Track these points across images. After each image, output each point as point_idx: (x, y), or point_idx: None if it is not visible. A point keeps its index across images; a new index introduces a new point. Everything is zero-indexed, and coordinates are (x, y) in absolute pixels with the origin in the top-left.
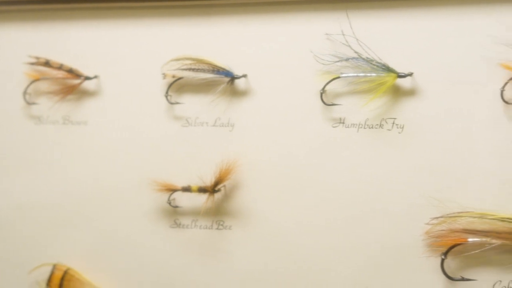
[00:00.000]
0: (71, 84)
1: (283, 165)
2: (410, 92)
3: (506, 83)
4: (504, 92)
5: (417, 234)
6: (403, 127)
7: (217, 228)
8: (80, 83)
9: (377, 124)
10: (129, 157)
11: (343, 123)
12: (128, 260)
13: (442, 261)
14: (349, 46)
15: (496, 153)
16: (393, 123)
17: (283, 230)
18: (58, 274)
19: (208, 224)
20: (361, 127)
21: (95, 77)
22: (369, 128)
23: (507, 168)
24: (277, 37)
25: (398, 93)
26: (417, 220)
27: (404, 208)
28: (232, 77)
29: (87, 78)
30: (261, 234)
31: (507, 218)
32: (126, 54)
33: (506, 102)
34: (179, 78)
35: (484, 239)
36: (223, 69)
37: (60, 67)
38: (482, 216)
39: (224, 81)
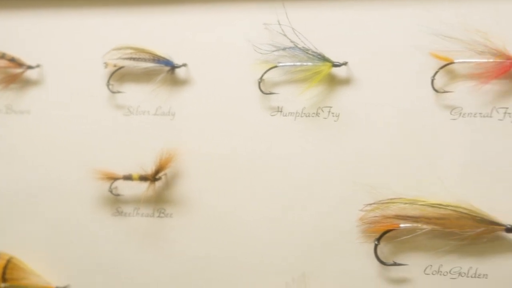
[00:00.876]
0: (13, 73)
1: (222, 153)
2: (345, 81)
3: (436, 72)
4: (435, 81)
5: (352, 220)
6: (338, 116)
7: (159, 216)
8: (23, 72)
9: (314, 113)
10: (72, 146)
11: (281, 111)
12: (71, 248)
13: (375, 246)
14: (286, 35)
15: (427, 140)
16: (329, 111)
17: (223, 217)
18: (1, 263)
19: (150, 212)
20: (298, 116)
21: (38, 66)
22: (306, 116)
23: (436, 156)
24: (216, 26)
25: (334, 82)
26: (351, 206)
27: (340, 195)
28: (172, 66)
29: (30, 67)
30: (201, 221)
31: (437, 204)
32: (68, 43)
33: (437, 91)
34: (121, 67)
35: (415, 224)
36: (163, 58)
37: (2, 56)
38: (413, 202)
39: (164, 70)
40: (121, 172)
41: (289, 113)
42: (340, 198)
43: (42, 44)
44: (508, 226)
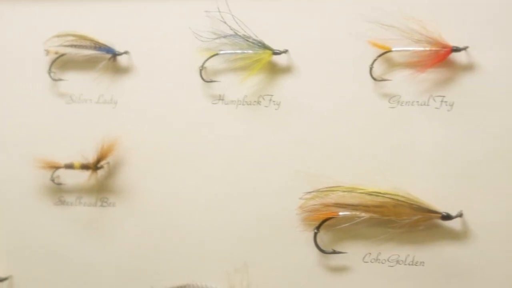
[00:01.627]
0: None
1: (165, 141)
2: (286, 69)
3: (374, 60)
4: (373, 70)
5: (292, 209)
6: (279, 104)
7: (101, 205)
8: None
9: (255, 101)
10: (13, 135)
11: (223, 100)
12: (13, 238)
13: (315, 234)
14: (226, 23)
15: (366, 128)
16: (270, 99)
17: (165, 206)
18: None
19: (92, 202)
20: (240, 104)
21: None
22: (248, 104)
23: (375, 144)
24: (158, 13)
25: (274, 70)
26: (292, 195)
27: (281, 184)
28: (113, 54)
29: None
30: (144, 210)
31: (375, 192)
32: (8, 30)
33: (375, 79)
34: (62, 55)
35: (353, 212)
36: (105, 45)
37: None
38: (351, 190)
39: (106, 57)
40: (64, 161)
41: (230, 101)
42: (281, 187)
43: None
44: (444, 214)
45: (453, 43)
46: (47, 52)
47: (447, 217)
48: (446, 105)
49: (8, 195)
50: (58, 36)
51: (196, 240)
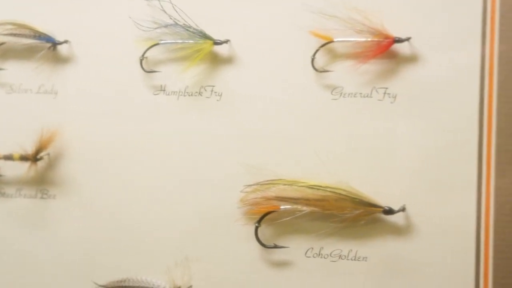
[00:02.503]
0: None
1: (106, 133)
2: (228, 60)
3: (316, 51)
4: (315, 60)
5: (234, 201)
6: (221, 95)
7: (42, 197)
8: None
9: (197, 92)
10: None
11: (164, 90)
12: None
13: (256, 228)
14: (165, 12)
15: (308, 121)
16: (212, 90)
17: (108, 199)
18: None
19: (33, 193)
20: (181, 95)
21: None
22: (189, 95)
23: (318, 136)
24: (98, 2)
25: (216, 60)
26: (234, 187)
27: (223, 176)
28: (53, 43)
29: None
30: (86, 203)
31: (316, 186)
32: None
33: (317, 70)
34: (1, 44)
35: (295, 206)
36: (45, 34)
37: None
38: (293, 184)
39: (45, 46)
40: (3, 152)
41: (172, 92)
42: (223, 179)
43: None
44: (386, 208)
45: (396, 34)
46: None
47: (389, 211)
48: (389, 97)
49: None
50: None
51: (137, 233)
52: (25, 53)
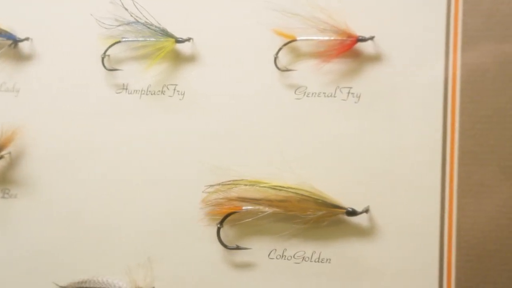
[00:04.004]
0: None
1: (68, 132)
2: (191, 58)
3: (279, 50)
4: (278, 59)
5: (196, 202)
6: (184, 94)
7: (3, 197)
8: None
9: (159, 91)
10: None
11: (126, 89)
12: None
13: (218, 229)
14: (127, 10)
15: (272, 120)
16: (175, 89)
17: (70, 199)
18: None
19: None
20: (143, 93)
21: None
22: (152, 94)
23: (281, 136)
24: None
25: (179, 59)
26: (196, 188)
27: (185, 176)
28: (14, 40)
29: None
30: (47, 203)
31: (278, 186)
32: None
33: (280, 69)
34: None
35: (257, 207)
36: (5, 31)
37: None
38: (255, 184)
39: (6, 43)
40: None
41: (134, 90)
42: (186, 179)
43: None
44: (349, 209)
45: (359, 33)
46: None
47: (353, 212)
48: (353, 96)
49: None
50: None
51: (99, 233)
52: None
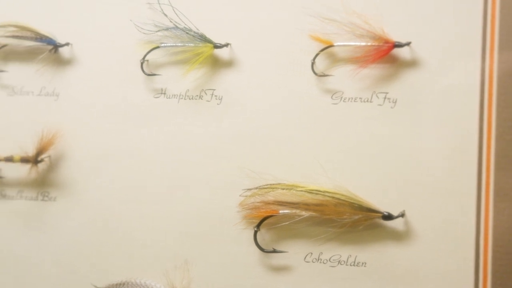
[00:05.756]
0: None
1: (107, 135)
2: (229, 63)
3: (316, 55)
4: (315, 65)
5: (233, 205)
6: (221, 98)
7: (42, 200)
8: None
9: (197, 95)
10: None
11: (165, 93)
12: None
13: (255, 233)
14: (166, 15)
15: (308, 125)
16: (212, 94)
17: (108, 201)
18: None
19: (34, 195)
20: (181, 98)
21: None
22: (190, 99)
23: (318, 141)
24: (100, 5)
25: (217, 64)
26: (233, 191)
27: (222, 180)
28: (55, 45)
29: None
30: (85, 206)
31: (315, 190)
32: None
33: (317, 74)
34: (4, 46)
35: (294, 210)
36: (46, 36)
37: None
38: (292, 188)
39: (47, 49)
40: (4, 153)
41: (172, 95)
42: (222, 183)
43: None
44: (385, 213)
45: (396, 38)
46: None
47: (388, 217)
48: (390, 102)
49: None
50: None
51: (136, 236)
52: (27, 55)
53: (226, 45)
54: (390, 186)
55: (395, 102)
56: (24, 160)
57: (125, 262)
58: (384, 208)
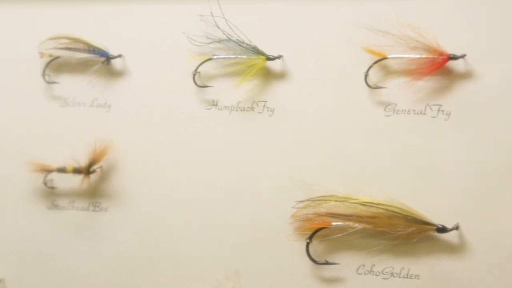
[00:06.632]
0: None
1: (158, 146)
2: (281, 75)
3: (369, 68)
4: (368, 77)
5: (285, 217)
6: (273, 110)
7: (94, 210)
8: None
9: (249, 107)
10: (6, 137)
11: (216, 105)
12: (5, 241)
13: (307, 244)
14: (219, 27)
15: (360, 137)
16: (264, 106)
17: (158, 212)
18: None
19: (85, 206)
20: (233, 110)
21: None
22: (241, 110)
23: (370, 153)
24: (152, 17)
25: (269, 76)
26: (285, 203)
27: (274, 191)
28: (107, 57)
29: None
30: (136, 216)
31: (368, 203)
32: (3, 31)
33: (370, 87)
34: (56, 57)
35: (347, 223)
36: (99, 48)
37: None
38: (345, 200)
39: (99, 60)
40: (57, 164)
41: (224, 106)
42: (274, 195)
43: None
44: (440, 226)
45: (450, 50)
46: (42, 54)
47: (443, 229)
48: (443, 114)
49: (1, 198)
50: (53, 38)
51: (187, 246)
52: (79, 67)
53: (279, 57)
54: (444, 198)
55: (449, 114)
56: (77, 171)
57: (176, 272)
58: (438, 221)
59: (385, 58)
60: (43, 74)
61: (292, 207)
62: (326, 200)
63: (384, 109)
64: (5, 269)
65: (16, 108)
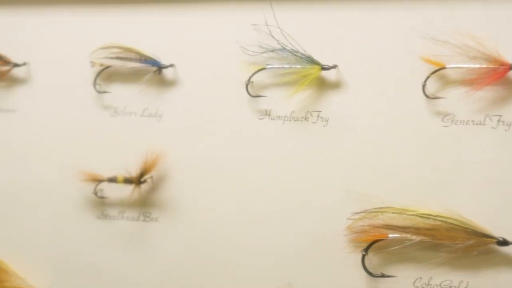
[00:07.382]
0: (0, 71)
1: (210, 156)
2: (335, 85)
3: (427, 77)
4: (426, 87)
5: (339, 228)
6: (328, 120)
7: (144, 220)
8: (9, 70)
9: (302, 117)
10: (57, 146)
11: (269, 115)
12: (55, 251)
13: (363, 257)
14: (273, 37)
15: (417, 147)
16: (318, 116)
17: (209, 223)
18: None
19: (135, 216)
20: (286, 120)
21: (24, 64)
22: (295, 120)
23: (428, 164)
24: (204, 26)
25: (323, 85)
26: (340, 214)
27: (328, 202)
28: (159, 67)
29: (16, 65)
30: (187, 226)
31: (426, 215)
32: (55, 41)
33: (428, 97)
34: (108, 67)
35: (404, 235)
36: (151, 58)
37: None
38: (402, 212)
39: (151, 70)
40: (107, 174)
41: (277, 116)
42: (328, 206)
43: (29, 42)
44: (500, 239)
45: (510, 60)
46: (93, 64)
47: (504, 242)
48: (503, 124)
49: (52, 207)
50: (104, 47)
51: (239, 258)
52: (130, 77)
53: (334, 66)
54: (504, 210)
55: (510, 125)
56: (128, 181)
57: (227, 284)
58: (498, 234)
59: (443, 68)
60: (94, 84)
61: (347, 218)
62: (382, 211)
63: (442, 120)
64: (54, 278)
65: (67, 117)
